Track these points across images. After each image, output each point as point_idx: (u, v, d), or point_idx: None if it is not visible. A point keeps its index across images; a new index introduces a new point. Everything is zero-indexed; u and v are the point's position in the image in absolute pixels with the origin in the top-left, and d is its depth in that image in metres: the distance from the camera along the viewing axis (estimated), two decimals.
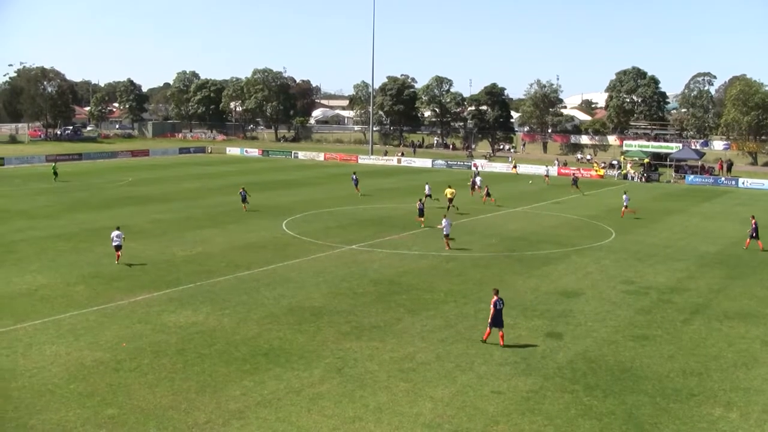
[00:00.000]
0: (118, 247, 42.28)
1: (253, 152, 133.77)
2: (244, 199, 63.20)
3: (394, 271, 40.43)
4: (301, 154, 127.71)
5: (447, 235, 47.61)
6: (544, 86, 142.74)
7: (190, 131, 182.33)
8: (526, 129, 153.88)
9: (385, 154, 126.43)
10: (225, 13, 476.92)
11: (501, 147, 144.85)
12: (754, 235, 49.58)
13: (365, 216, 59.68)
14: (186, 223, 56.11)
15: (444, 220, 48.02)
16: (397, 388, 23.96)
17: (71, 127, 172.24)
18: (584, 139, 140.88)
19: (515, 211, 64.26)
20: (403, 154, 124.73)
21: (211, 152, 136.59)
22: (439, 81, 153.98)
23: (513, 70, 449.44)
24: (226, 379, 24.56)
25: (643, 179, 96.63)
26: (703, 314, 33.36)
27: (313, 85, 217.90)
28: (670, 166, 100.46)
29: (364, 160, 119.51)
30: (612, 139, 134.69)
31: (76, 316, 31.39)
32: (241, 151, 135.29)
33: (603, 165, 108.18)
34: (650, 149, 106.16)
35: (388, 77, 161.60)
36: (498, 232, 53.19)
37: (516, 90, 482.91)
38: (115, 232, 42.96)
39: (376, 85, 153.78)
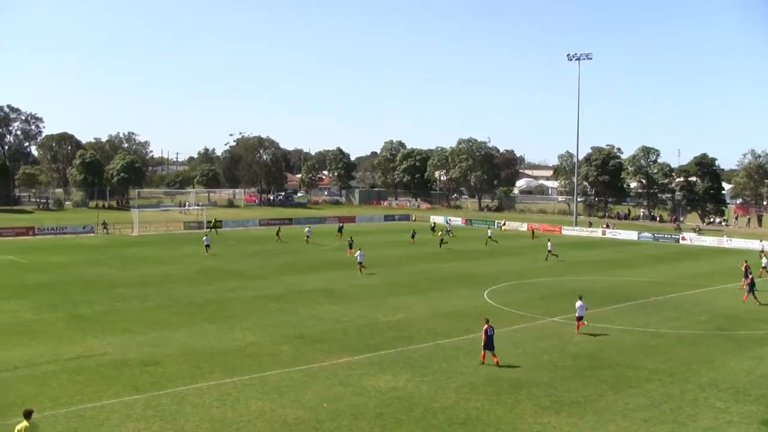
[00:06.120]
0: (207, 247, 77.26)
1: (457, 221, 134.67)
2: (277, 234, 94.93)
3: (596, 346, 39.44)
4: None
5: (360, 263, 64.48)
6: (759, 156, 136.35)
7: (396, 199, 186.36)
8: (738, 201, 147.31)
9: (590, 225, 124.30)
10: (431, 85, 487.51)
11: (711, 220, 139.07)
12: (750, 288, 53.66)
13: (567, 288, 58.67)
14: (389, 288, 57.15)
15: (358, 251, 66.61)
16: None
17: (283, 193, 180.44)
18: None
19: (726, 287, 61.23)
20: (608, 226, 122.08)
21: (415, 220, 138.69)
22: (646, 151, 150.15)
23: (725, 139, 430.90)
24: None
25: None
26: None
27: (517, 155, 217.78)
28: None
29: (568, 231, 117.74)
30: None
31: (280, 374, 32.54)
32: (445, 220, 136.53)
33: None
34: None
35: (593, 147, 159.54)
36: (708, 309, 50.86)
37: (728, 160, 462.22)
38: (205, 238, 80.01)
39: (581, 156, 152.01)
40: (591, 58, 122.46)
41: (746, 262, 59.34)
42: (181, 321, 43.79)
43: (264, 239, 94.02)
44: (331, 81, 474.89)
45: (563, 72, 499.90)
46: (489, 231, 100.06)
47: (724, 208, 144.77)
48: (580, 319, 41.87)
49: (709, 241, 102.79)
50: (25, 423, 21.63)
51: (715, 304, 52.92)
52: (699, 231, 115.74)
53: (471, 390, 30.83)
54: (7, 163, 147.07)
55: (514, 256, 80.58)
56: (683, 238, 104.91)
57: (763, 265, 66.30)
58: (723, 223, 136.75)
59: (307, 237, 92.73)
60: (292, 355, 36.21)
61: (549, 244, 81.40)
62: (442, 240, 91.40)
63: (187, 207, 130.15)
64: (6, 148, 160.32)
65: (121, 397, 29.00)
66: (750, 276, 55.73)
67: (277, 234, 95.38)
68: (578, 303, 42.05)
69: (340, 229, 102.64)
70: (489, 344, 34.43)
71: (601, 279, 64.57)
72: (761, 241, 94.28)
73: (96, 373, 32.29)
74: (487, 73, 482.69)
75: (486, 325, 34.73)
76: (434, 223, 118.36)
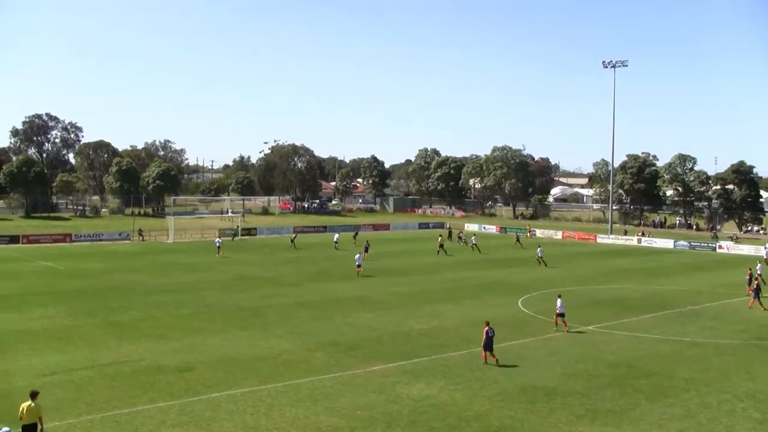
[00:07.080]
0: (218, 248, 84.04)
1: (491, 229, 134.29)
2: (292, 241, 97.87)
3: (632, 355, 39.12)
4: (539, 232, 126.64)
5: (359, 266, 68.43)
6: None
7: (430, 207, 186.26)
8: None
9: (625, 234, 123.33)
10: (465, 93, 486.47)
11: (749, 228, 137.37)
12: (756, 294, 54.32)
13: (603, 296, 58.30)
14: (422, 296, 57.09)
15: (357, 255, 71.29)
16: None
17: (317, 201, 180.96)
18: None
19: (764, 297, 60.36)
20: (643, 234, 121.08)
21: (449, 228, 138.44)
22: (682, 159, 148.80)
23: (763, 146, 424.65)
24: None
25: None
26: None
27: (552, 163, 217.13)
28: None
29: (603, 239, 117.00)
30: None
31: (314, 382, 32.62)
32: (479, 227, 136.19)
33: None
34: None
35: (628, 155, 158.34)
36: (745, 319, 50.30)
37: (766, 167, 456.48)
38: (217, 240, 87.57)
39: (616, 164, 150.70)
40: (626, 65, 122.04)
41: (750, 270, 59.03)
42: (215, 328, 44.04)
43: (298, 247, 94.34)
44: (365, 89, 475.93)
45: (599, 79, 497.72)
46: (473, 238, 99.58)
47: (761, 216, 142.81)
48: (561, 315, 44.66)
49: (746, 249, 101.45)
50: (29, 402, 22.13)
51: (753, 314, 52.31)
52: (736, 239, 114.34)
53: (505, 398, 30.71)
54: (45, 171, 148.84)
55: (548, 265, 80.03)
56: (720, 247, 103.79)
57: (759, 272, 65.04)
58: (761, 232, 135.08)
59: (336, 243, 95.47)
60: (326, 362, 36.28)
61: (539, 250, 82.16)
62: (441, 245, 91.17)
63: (228, 214, 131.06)
64: (44, 155, 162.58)
65: (156, 402, 29.23)
66: (756, 282, 56.57)
67: (292, 241, 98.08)
68: (558, 302, 45.06)
69: (355, 236, 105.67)
70: (489, 345, 36.10)
71: (637, 288, 64.05)
72: (766, 246, 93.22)
73: (131, 379, 32.59)
74: (522, 81, 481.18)
75: (487, 327, 36.51)
76: (450, 230, 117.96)
